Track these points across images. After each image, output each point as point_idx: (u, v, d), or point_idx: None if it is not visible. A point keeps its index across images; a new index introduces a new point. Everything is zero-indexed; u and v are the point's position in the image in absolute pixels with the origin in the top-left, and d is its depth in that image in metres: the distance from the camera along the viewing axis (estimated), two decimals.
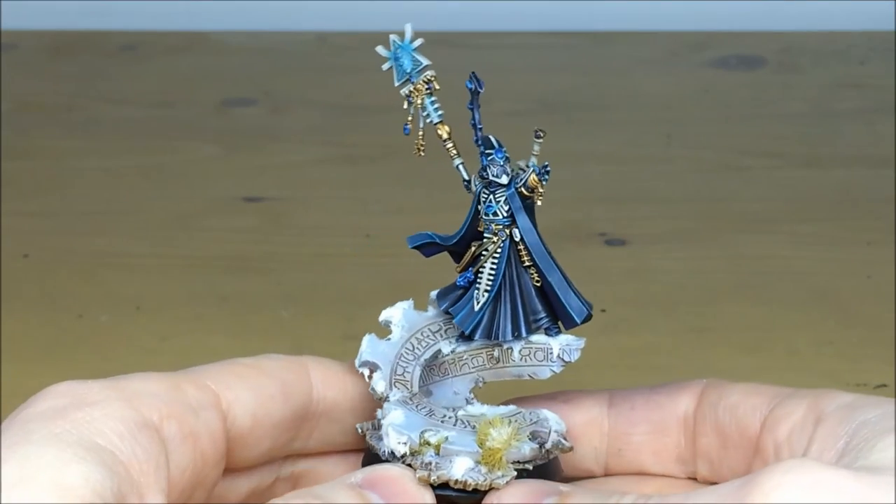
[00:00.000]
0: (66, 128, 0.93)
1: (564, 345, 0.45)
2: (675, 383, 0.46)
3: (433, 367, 0.46)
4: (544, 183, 0.44)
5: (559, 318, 0.45)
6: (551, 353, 0.45)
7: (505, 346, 0.46)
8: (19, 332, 0.69)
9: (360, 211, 0.82)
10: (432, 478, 0.42)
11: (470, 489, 0.42)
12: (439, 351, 0.46)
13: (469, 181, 0.45)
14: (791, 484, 0.35)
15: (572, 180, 0.85)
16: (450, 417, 0.44)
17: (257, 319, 0.70)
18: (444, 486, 0.42)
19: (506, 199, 0.44)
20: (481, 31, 1.08)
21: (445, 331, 0.46)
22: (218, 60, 1.04)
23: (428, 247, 0.46)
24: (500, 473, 0.42)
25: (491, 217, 0.44)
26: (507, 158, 0.44)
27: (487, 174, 0.44)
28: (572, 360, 0.45)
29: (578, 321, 0.44)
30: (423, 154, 0.45)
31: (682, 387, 0.46)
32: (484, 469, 0.42)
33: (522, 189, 0.44)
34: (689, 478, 0.46)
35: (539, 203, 0.44)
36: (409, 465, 0.42)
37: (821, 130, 0.92)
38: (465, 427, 0.44)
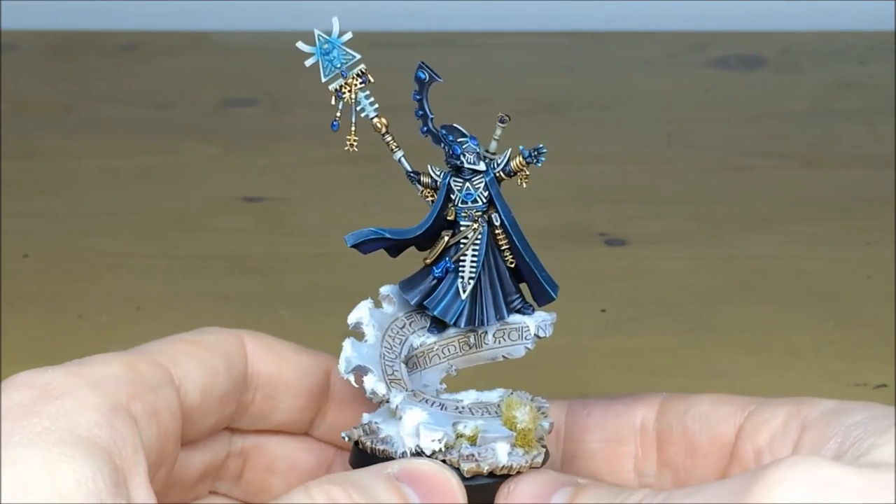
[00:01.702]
0: (66, 128, 0.93)
1: (540, 321, 0.46)
2: (635, 394, 0.47)
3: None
4: (538, 165, 0.44)
5: (534, 295, 0.46)
6: (527, 331, 0.46)
7: (480, 331, 0.46)
8: (19, 332, 0.69)
9: (360, 211, 0.82)
10: (483, 468, 0.42)
11: (514, 472, 0.42)
12: (410, 345, 0.46)
13: (415, 173, 0.45)
14: (795, 479, 0.35)
15: (572, 180, 0.85)
16: (462, 408, 0.44)
17: (257, 319, 0.70)
18: (481, 475, 0.42)
19: (485, 185, 0.44)
20: (481, 31, 1.08)
21: (410, 324, 0.46)
22: (218, 60, 1.04)
23: (368, 244, 0.45)
24: (535, 453, 0.43)
25: (470, 204, 0.45)
26: (479, 145, 0.44)
27: (462, 162, 0.44)
28: (547, 336, 0.46)
29: (554, 295, 0.45)
30: (356, 149, 0.45)
31: (640, 398, 0.47)
32: (521, 451, 0.43)
33: (500, 173, 0.44)
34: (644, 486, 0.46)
35: (524, 185, 0.44)
36: (443, 461, 0.42)
37: (821, 130, 0.92)
38: (484, 414, 0.44)
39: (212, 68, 1.03)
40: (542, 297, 0.45)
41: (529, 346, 0.46)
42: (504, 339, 0.46)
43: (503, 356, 0.46)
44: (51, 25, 1.08)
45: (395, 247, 0.46)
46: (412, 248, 0.46)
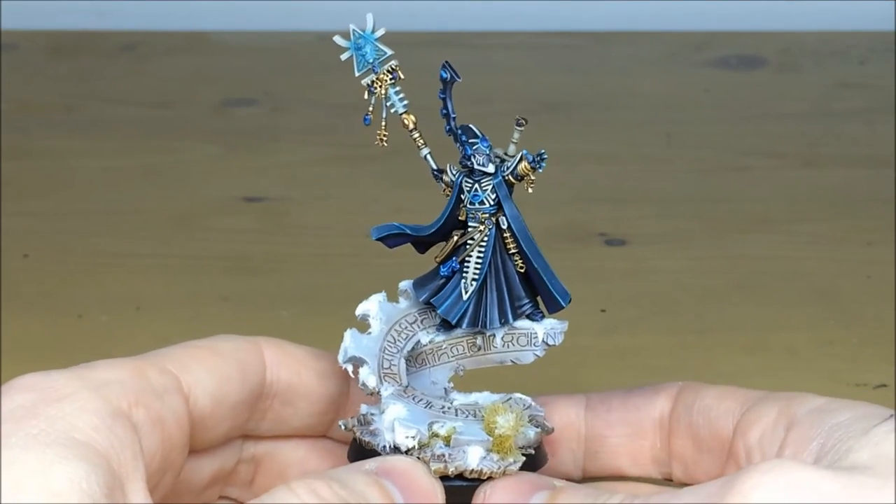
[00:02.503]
0: (66, 128, 0.93)
1: (549, 329, 0.46)
2: (652, 386, 0.47)
3: (410, 359, 0.46)
4: (539, 171, 0.44)
5: (544, 302, 0.46)
6: (536, 337, 0.46)
7: (487, 333, 0.46)
8: (19, 332, 0.69)
9: (360, 211, 0.82)
10: (450, 469, 0.42)
11: (485, 477, 0.42)
12: (418, 342, 0.46)
13: (439, 171, 0.45)
14: (770, 483, 0.35)
15: (572, 180, 0.85)
16: (449, 408, 0.44)
17: (257, 319, 0.70)
18: (448, 477, 0.42)
19: (493, 187, 0.44)
20: (481, 31, 1.08)
21: (422, 321, 0.46)
22: (218, 60, 1.04)
23: (393, 238, 0.46)
24: (511, 460, 0.43)
25: (477, 206, 0.45)
26: (490, 147, 0.44)
27: (472, 163, 0.44)
28: (556, 344, 0.46)
29: (564, 304, 0.45)
30: (385, 144, 0.45)
31: (658, 389, 0.46)
32: (496, 456, 0.43)
33: (509, 177, 0.44)
34: (666, 479, 0.47)
35: (531, 191, 0.45)
36: (418, 458, 0.42)
37: (821, 130, 0.92)
38: (468, 416, 0.44)
39: (212, 68, 1.03)
40: (551, 304, 0.45)
41: (539, 352, 0.46)
42: (512, 344, 0.46)
43: (512, 361, 0.46)
44: (51, 25, 1.08)
45: (420, 242, 0.46)
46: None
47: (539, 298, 0.46)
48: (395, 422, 0.42)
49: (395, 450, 0.43)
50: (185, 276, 0.75)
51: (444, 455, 0.42)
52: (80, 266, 0.76)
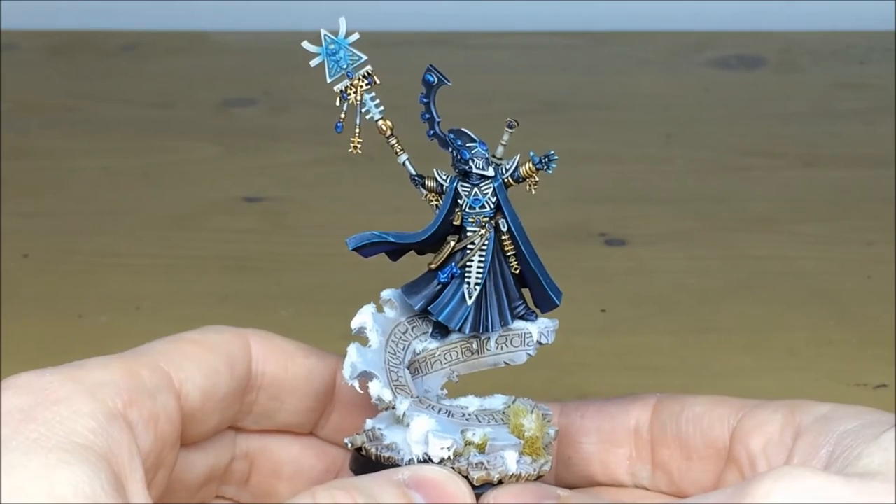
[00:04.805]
0: (66, 128, 0.93)
1: (543, 328, 0.45)
2: (629, 395, 0.47)
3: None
4: (549, 172, 0.44)
5: (537, 302, 0.45)
6: (530, 337, 0.45)
7: (483, 337, 0.45)
8: (19, 332, 0.69)
9: (360, 211, 0.82)
10: (493, 477, 0.42)
11: (523, 481, 0.42)
12: (413, 351, 0.45)
13: (420, 177, 0.45)
14: (783, 490, 0.35)
15: (572, 180, 0.85)
16: (469, 415, 0.44)
17: (257, 319, 0.70)
18: (492, 484, 0.42)
19: (493, 190, 0.44)
20: (481, 32, 1.08)
21: (412, 329, 0.46)
22: (218, 60, 1.04)
23: (371, 247, 0.44)
24: (542, 461, 0.43)
25: (478, 210, 0.44)
26: (488, 150, 0.44)
27: (471, 167, 0.44)
28: (549, 343, 0.45)
29: (558, 302, 0.45)
30: (359, 151, 0.45)
31: (635, 399, 0.46)
32: (529, 459, 0.42)
33: (509, 179, 0.44)
34: (639, 489, 0.46)
35: (534, 192, 0.44)
36: (452, 468, 0.42)
37: (821, 130, 0.92)
38: (490, 421, 0.43)
39: (212, 68, 1.03)
40: (546, 303, 0.45)
41: (531, 352, 0.46)
42: (506, 346, 0.46)
43: (505, 362, 0.46)
44: (51, 25, 1.08)
45: (396, 250, 0.45)
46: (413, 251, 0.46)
47: (529, 298, 0.46)
48: (429, 434, 0.42)
49: (424, 462, 0.42)
50: (185, 276, 0.75)
51: (483, 463, 0.42)
52: (80, 266, 0.76)
